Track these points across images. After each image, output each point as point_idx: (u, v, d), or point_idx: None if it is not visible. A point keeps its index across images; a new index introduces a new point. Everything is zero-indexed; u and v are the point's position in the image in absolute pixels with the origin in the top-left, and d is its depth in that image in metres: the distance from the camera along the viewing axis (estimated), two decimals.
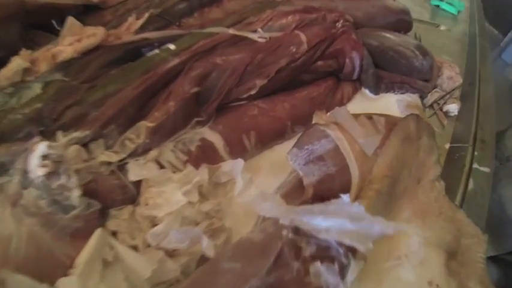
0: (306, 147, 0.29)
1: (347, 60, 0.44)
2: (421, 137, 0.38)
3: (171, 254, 0.28)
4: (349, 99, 0.46)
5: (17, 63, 0.34)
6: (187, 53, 0.33)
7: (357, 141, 0.27)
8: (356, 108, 0.45)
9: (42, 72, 0.34)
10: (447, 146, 0.55)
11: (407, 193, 0.34)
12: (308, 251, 0.22)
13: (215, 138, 0.32)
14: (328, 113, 0.36)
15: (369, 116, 0.31)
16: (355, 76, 0.46)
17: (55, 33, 0.41)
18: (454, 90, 0.64)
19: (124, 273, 0.25)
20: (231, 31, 0.37)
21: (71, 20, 0.38)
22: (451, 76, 0.66)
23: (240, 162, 0.29)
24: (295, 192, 0.29)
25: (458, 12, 1.34)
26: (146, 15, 0.44)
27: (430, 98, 0.61)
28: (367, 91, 0.49)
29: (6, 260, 0.22)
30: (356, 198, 0.24)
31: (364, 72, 0.47)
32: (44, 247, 0.25)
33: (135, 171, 0.27)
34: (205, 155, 0.31)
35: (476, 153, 0.54)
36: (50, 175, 0.25)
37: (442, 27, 1.11)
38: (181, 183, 0.30)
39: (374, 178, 0.26)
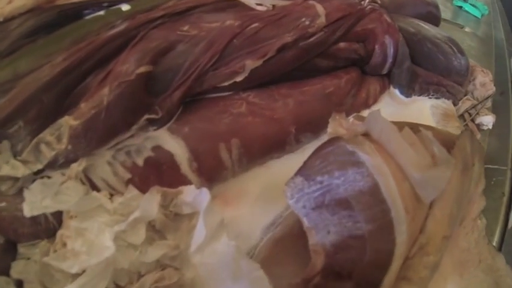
0: (320, 178, 0.16)
1: (377, 47, 0.31)
2: (474, 162, 0.27)
3: None
4: (375, 100, 0.34)
5: None
6: (145, 17, 0.22)
7: (407, 177, 0.15)
8: (383, 113, 0.32)
9: None
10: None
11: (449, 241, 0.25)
12: None
13: (176, 147, 0.20)
14: (353, 119, 0.25)
15: (415, 129, 0.20)
16: (385, 70, 0.34)
17: None
18: (487, 98, 0.54)
19: None
20: None
21: None
22: (484, 82, 0.56)
23: (204, 194, 0.18)
24: (294, 242, 0.17)
25: (482, 15, 1.28)
26: None
27: (462, 106, 0.50)
28: (397, 91, 0.36)
29: None
30: (398, 279, 0.13)
31: (398, 66, 0.34)
32: None
33: (33, 199, 0.16)
34: (159, 173, 0.20)
35: None
36: None
37: (467, 29, 1.03)
38: (118, 215, 0.19)
39: (430, 243, 0.15)
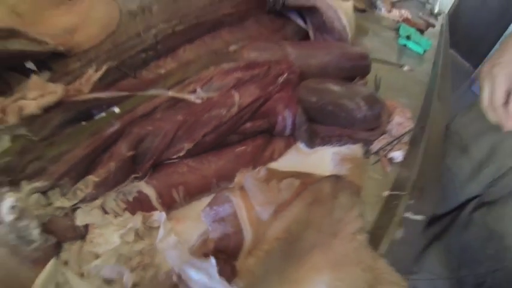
0: (215, 207, 0.44)
1: (279, 119, 0.59)
2: (338, 196, 0.53)
3: (108, 282, 0.43)
4: (280, 155, 0.61)
5: None
6: (129, 117, 0.49)
7: (254, 208, 0.41)
8: (288, 163, 0.60)
9: (11, 125, 0.49)
10: (386, 193, 0.67)
11: (318, 247, 0.48)
12: None
13: (149, 191, 0.48)
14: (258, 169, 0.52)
15: (281, 180, 0.47)
16: (287, 133, 0.61)
17: (26, 74, 0.57)
18: (401, 136, 0.77)
19: None
20: (170, 93, 0.52)
21: (34, 78, 0.53)
22: (400, 122, 0.80)
23: (162, 215, 0.45)
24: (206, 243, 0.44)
25: (424, 51, 1.57)
26: (104, 67, 0.60)
27: (377, 144, 0.75)
28: (302, 145, 0.63)
29: None
30: (247, 256, 0.39)
31: (297, 129, 0.61)
32: (12, 271, 0.40)
33: (82, 217, 0.43)
34: (140, 204, 0.47)
35: (411, 201, 0.66)
36: (16, 219, 0.40)
37: (406, 68, 1.32)
38: (120, 227, 0.45)
39: (265, 240, 0.41)
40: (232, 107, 0.54)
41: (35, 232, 0.41)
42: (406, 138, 0.82)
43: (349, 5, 1.07)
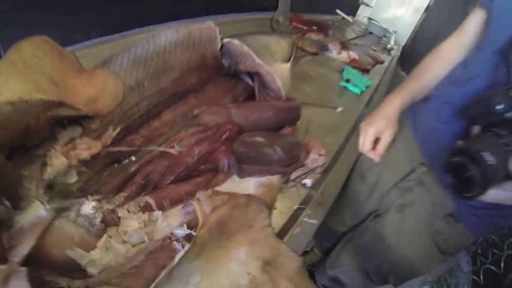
0: (185, 208, 1.05)
1: (220, 163, 1.19)
2: (250, 205, 1.18)
3: (133, 245, 1.07)
4: (222, 183, 1.11)
5: (63, 160, 1.14)
6: (140, 163, 1.09)
7: (203, 208, 1.06)
8: (226, 187, 1.13)
9: (75, 165, 1.13)
10: (295, 207, 1.20)
11: (240, 232, 0.94)
12: None
13: (151, 201, 1.03)
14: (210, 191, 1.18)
15: (218, 195, 1.12)
16: (225, 170, 1.17)
17: (64, 126, 1.21)
18: (314, 169, 1.32)
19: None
20: (161, 148, 1.18)
21: (84, 138, 1.18)
22: (315, 158, 1.32)
23: (159, 213, 1.08)
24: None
25: (361, 92, 2.24)
26: (118, 129, 1.26)
27: (295, 174, 1.25)
28: (236, 177, 1.25)
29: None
30: (199, 230, 1.04)
31: (231, 168, 1.22)
32: (86, 239, 0.95)
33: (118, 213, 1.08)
34: (147, 208, 1.10)
35: (310, 211, 1.17)
36: (91, 214, 1.04)
37: (339, 109, 1.93)
38: (137, 219, 1.09)
39: (208, 223, 1.04)
40: (194, 157, 1.12)
41: (97, 221, 1.03)
42: (319, 169, 1.35)
43: (285, 68, 1.73)
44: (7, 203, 0.76)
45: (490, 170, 0.77)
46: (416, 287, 1.03)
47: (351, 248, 1.69)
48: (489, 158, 0.77)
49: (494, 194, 0.83)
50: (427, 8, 5.99)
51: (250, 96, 1.62)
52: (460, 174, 0.81)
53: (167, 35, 1.41)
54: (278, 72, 1.56)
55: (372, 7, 6.75)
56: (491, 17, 1.15)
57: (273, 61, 1.65)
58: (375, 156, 1.26)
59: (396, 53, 5.07)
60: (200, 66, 1.48)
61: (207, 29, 1.53)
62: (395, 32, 5.71)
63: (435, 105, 1.31)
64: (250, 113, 1.35)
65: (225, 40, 1.59)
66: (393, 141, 1.44)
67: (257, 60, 1.54)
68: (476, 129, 0.89)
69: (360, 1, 6.72)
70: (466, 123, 0.96)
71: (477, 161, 0.77)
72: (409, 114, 1.49)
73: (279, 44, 1.97)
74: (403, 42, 6.20)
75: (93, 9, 2.28)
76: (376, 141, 1.29)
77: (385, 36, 5.72)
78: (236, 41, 1.57)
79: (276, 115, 1.39)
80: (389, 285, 1.32)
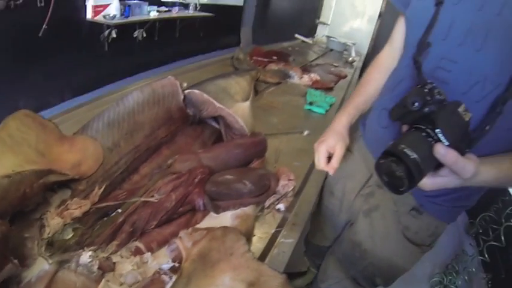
0: (170, 246, 1.23)
1: (196, 203, 1.35)
2: (227, 235, 1.36)
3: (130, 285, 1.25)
4: (201, 220, 1.33)
5: (59, 221, 1.32)
6: (126, 213, 1.26)
7: (185, 244, 1.24)
8: (205, 224, 1.32)
9: (69, 223, 1.31)
10: (272, 231, 1.31)
11: (222, 260, 1.07)
12: None
13: (141, 246, 1.26)
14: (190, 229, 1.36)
15: (197, 231, 1.30)
16: (202, 209, 1.34)
17: (54, 190, 1.38)
18: (285, 194, 1.44)
19: None
20: (142, 199, 1.36)
21: (75, 199, 1.36)
22: (285, 184, 1.44)
23: (148, 255, 1.27)
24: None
25: (326, 111, 2.41)
26: (103, 187, 1.44)
27: (268, 201, 1.37)
28: (212, 213, 1.41)
29: None
30: (184, 262, 1.22)
31: (207, 207, 1.40)
32: (86, 285, 1.21)
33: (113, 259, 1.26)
34: (137, 252, 1.28)
35: (285, 232, 1.30)
36: (89, 263, 1.22)
37: (305, 133, 2.11)
38: (129, 263, 1.27)
39: (191, 255, 1.23)
40: (172, 202, 1.28)
41: (95, 268, 1.21)
42: (291, 193, 1.48)
43: (245, 106, 1.91)
44: (15, 261, 0.87)
45: (413, 164, 0.83)
46: (424, 283, 1.13)
47: (335, 260, 1.79)
48: (411, 153, 0.84)
49: (432, 182, 0.91)
50: (380, 15, 6.33)
51: (219, 137, 1.78)
52: (390, 172, 0.87)
53: (134, 96, 1.61)
54: (239, 112, 1.71)
55: (328, 24, 7.05)
56: (406, 23, 1.28)
57: (233, 102, 1.81)
58: (330, 170, 1.34)
59: (358, 63, 5.29)
60: (167, 120, 1.67)
61: (169, 84, 1.73)
62: (354, 44, 5.99)
63: (376, 112, 1.42)
64: (219, 154, 1.51)
65: (186, 91, 1.78)
66: (350, 154, 1.60)
67: (218, 105, 1.72)
68: (404, 128, 0.96)
69: (317, 21, 7.00)
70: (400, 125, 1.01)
71: (401, 158, 0.84)
72: (360, 125, 1.58)
73: (238, 84, 2.17)
74: (364, 51, 6.50)
75: (65, 72, 2.47)
76: (331, 156, 1.37)
77: (345, 50, 5.98)
78: (196, 91, 1.76)
79: (243, 152, 1.54)
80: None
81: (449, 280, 3.14)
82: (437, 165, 0.90)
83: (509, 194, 2.68)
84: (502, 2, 0.96)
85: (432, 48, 1.09)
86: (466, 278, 3.23)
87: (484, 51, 0.97)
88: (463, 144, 0.90)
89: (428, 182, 0.92)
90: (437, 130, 0.87)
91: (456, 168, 0.87)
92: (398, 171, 0.86)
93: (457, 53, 1.04)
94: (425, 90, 0.90)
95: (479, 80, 0.99)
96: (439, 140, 0.87)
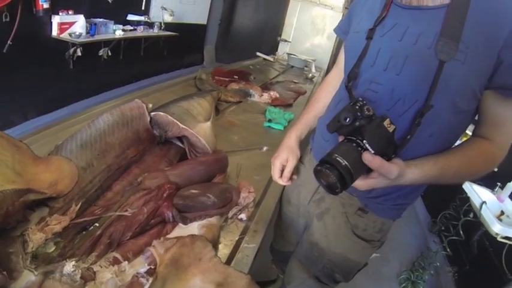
0: (145, 254, 1.44)
1: (165, 215, 1.54)
2: (195, 242, 1.56)
3: None
4: (171, 231, 1.56)
5: (41, 235, 1.50)
6: (103, 227, 1.44)
7: (158, 251, 1.45)
8: (175, 234, 1.52)
9: (51, 237, 1.50)
10: (236, 238, 1.49)
11: (192, 265, 1.30)
12: None
13: (118, 256, 1.43)
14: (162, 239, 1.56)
15: (168, 240, 1.50)
16: (171, 221, 1.54)
17: (32, 208, 1.54)
18: (246, 205, 1.66)
19: None
20: (117, 213, 1.55)
21: (55, 216, 1.55)
22: (245, 196, 1.63)
23: (126, 263, 1.46)
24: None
25: (285, 127, 2.56)
26: (79, 204, 1.63)
27: (231, 212, 1.54)
28: (181, 224, 1.62)
29: None
30: (159, 267, 1.42)
31: (175, 218, 1.59)
32: None
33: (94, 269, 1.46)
34: (115, 262, 1.47)
35: (247, 238, 1.49)
36: (72, 272, 1.41)
37: (265, 149, 2.29)
38: (109, 271, 1.47)
39: (164, 261, 1.42)
40: (144, 215, 1.45)
41: (78, 277, 1.38)
42: (251, 204, 1.67)
43: (207, 126, 2.09)
44: (4, 273, 0.99)
45: (343, 169, 0.97)
46: (393, 281, 1.31)
47: (298, 262, 1.90)
48: (342, 161, 0.97)
49: (365, 183, 1.06)
50: None
51: (183, 156, 1.96)
52: (326, 177, 1.00)
53: (104, 118, 1.79)
54: (201, 132, 1.90)
55: (290, 42, 7.33)
56: (345, 51, 1.47)
57: (196, 123, 1.98)
58: (283, 180, 1.58)
59: (318, 79, 5.51)
60: (136, 140, 1.86)
61: (136, 107, 1.92)
62: (314, 60, 6.25)
63: (320, 128, 1.59)
64: (184, 171, 1.69)
65: (153, 114, 1.98)
66: (303, 165, 1.78)
67: (181, 126, 1.92)
68: (340, 139, 1.09)
69: (279, 39, 7.28)
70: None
71: (334, 165, 0.97)
72: (310, 139, 1.75)
73: (200, 105, 2.36)
74: (325, 66, 6.79)
75: (29, 89, 2.58)
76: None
77: (306, 66, 6.24)
78: (162, 113, 1.96)
79: (206, 168, 1.73)
80: None
81: (416, 276, 3.46)
82: (369, 170, 1.08)
83: (465, 191, 3.05)
84: (418, 34, 1.17)
85: (362, 75, 1.28)
86: (432, 272, 3.60)
87: (403, 74, 1.16)
88: (389, 151, 1.10)
89: (361, 183, 1.07)
90: (364, 141, 1.05)
91: (382, 171, 1.05)
92: (332, 176, 1.03)
93: (382, 76, 1.22)
94: (356, 107, 1.08)
95: (400, 98, 1.17)
96: (367, 149, 1.05)
